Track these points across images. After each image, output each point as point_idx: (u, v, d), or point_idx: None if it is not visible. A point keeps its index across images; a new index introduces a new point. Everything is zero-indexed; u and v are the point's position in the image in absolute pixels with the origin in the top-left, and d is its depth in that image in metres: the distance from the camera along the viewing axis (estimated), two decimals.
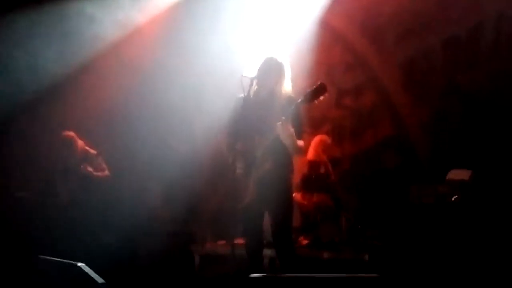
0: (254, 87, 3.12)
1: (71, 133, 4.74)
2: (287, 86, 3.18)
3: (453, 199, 4.08)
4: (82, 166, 4.61)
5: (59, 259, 2.82)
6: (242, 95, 3.13)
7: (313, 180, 4.95)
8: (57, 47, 5.20)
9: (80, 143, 4.75)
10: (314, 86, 2.93)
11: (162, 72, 5.71)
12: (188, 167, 5.36)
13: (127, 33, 5.55)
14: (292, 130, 2.96)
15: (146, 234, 5.21)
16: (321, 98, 2.91)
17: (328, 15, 5.59)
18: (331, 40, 5.90)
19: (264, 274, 2.61)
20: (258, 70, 3.14)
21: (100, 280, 2.61)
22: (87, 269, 2.65)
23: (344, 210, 4.75)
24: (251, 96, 3.13)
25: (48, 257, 2.85)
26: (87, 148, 4.77)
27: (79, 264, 2.66)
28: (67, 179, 4.73)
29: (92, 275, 2.63)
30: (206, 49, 5.44)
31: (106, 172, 4.79)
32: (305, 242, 4.77)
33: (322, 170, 5.04)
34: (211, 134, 4.92)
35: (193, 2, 5.62)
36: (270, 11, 5.52)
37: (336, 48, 5.96)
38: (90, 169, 4.65)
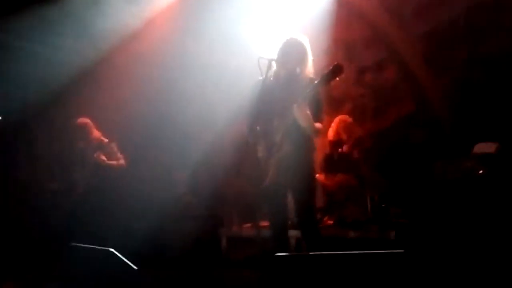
0: (273, 68, 3.10)
1: (86, 120, 4.72)
2: (309, 68, 3.15)
3: (479, 173, 3.99)
4: (95, 155, 4.59)
5: (90, 246, 2.92)
6: (260, 78, 3.12)
7: (335, 160, 4.92)
8: (74, 42, 5.24)
9: (95, 131, 4.73)
10: (330, 67, 2.89)
11: (181, 61, 5.73)
12: (210, 152, 5.42)
13: (145, 23, 5.58)
14: (308, 112, 2.94)
15: (174, 220, 5.30)
16: (337, 79, 2.87)
17: None
18: (350, 16, 5.79)
19: (290, 253, 2.65)
20: (279, 51, 3.11)
21: (134, 267, 2.69)
22: (118, 254, 2.74)
23: (368, 189, 4.71)
24: (270, 78, 3.11)
25: (80, 244, 2.94)
26: (101, 137, 4.75)
27: (110, 249, 2.75)
28: (83, 166, 4.72)
29: (124, 260, 2.72)
30: (223, 34, 5.43)
31: (122, 161, 4.75)
32: (330, 222, 4.77)
33: (344, 149, 5.00)
34: (232, 118, 4.93)
35: None
36: None
37: (355, 24, 5.84)
38: (103, 157, 4.62)
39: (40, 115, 4.79)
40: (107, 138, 4.74)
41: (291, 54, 3.09)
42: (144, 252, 4.21)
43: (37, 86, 4.81)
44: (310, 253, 2.86)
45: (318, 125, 3.07)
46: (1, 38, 4.95)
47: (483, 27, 5.14)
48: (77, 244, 2.94)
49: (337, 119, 5.16)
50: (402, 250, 2.32)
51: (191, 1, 5.66)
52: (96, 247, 2.89)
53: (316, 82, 2.93)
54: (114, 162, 4.71)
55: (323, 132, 3.41)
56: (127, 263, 2.70)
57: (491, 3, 5.05)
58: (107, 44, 5.37)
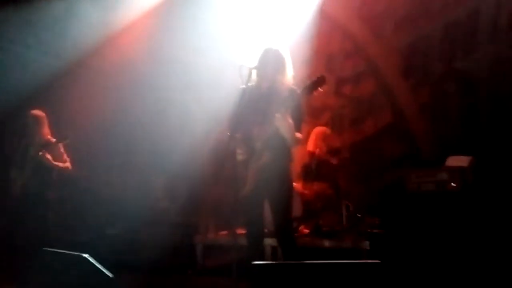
0: (254, 78, 3.12)
1: (40, 113, 4.34)
2: (288, 77, 3.18)
3: (452, 186, 4.09)
4: (40, 153, 4.16)
5: (64, 251, 2.86)
6: (243, 86, 3.13)
7: (313, 169, 4.97)
8: (51, 44, 5.16)
9: (46, 128, 4.35)
10: (314, 78, 2.94)
11: (160, 67, 5.72)
12: (189, 159, 5.39)
13: (124, 28, 5.55)
14: (291, 122, 2.97)
15: (150, 226, 5.24)
16: (321, 89, 2.92)
17: (326, 4, 5.58)
18: (330, 29, 5.89)
19: (267, 262, 2.66)
20: (258, 61, 3.14)
21: (108, 273, 2.64)
22: (92, 260, 2.69)
23: (344, 199, 4.77)
24: (251, 87, 3.13)
25: (53, 249, 2.88)
26: (49, 136, 4.35)
27: (84, 255, 2.70)
28: (24, 164, 4.29)
29: (99, 266, 2.68)
30: (204, 41, 5.45)
31: (68, 164, 4.35)
32: (306, 231, 4.80)
33: (322, 159, 5.07)
34: (211, 125, 4.94)
35: None
36: (268, 1, 5.50)
37: (335, 36, 5.95)
38: (49, 156, 4.20)
39: (13, 116, 4.57)
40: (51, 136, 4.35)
41: (271, 64, 3.12)
42: (118, 257, 4.15)
43: (11, 86, 4.68)
44: (287, 261, 2.87)
45: (298, 134, 3.10)
46: None
47: (459, 42, 5.30)
48: (49, 249, 2.88)
49: (316, 130, 5.23)
50: (378, 261, 2.35)
51: (171, 8, 5.66)
52: (70, 252, 2.83)
53: (298, 92, 2.97)
54: (59, 164, 4.29)
55: (302, 142, 3.44)
56: (101, 270, 2.66)
57: (466, 19, 5.22)
58: (84, 48, 5.30)
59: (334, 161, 5.07)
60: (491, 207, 3.95)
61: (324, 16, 5.66)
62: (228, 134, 3.11)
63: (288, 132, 3.00)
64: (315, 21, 5.48)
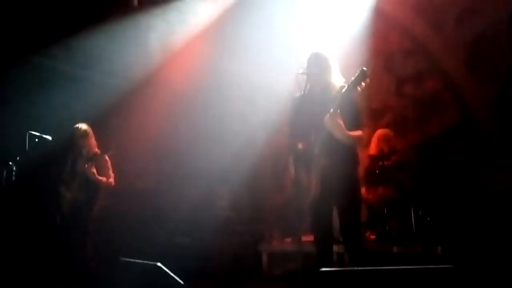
0: (308, 84, 3.12)
1: (86, 125, 4.35)
2: (338, 79, 3.16)
3: None
4: (87, 165, 4.15)
5: (139, 261, 2.99)
6: (298, 94, 3.14)
7: (376, 173, 4.84)
8: (122, 62, 5.42)
9: (93, 140, 4.33)
10: (356, 73, 2.90)
11: (218, 79, 5.86)
12: (251, 168, 5.45)
13: (186, 43, 5.75)
14: (340, 122, 2.91)
15: (215, 235, 5.34)
16: (363, 84, 2.87)
17: (382, 1, 5.44)
18: (388, 27, 5.74)
19: (335, 268, 2.62)
20: (307, 67, 3.15)
21: (180, 281, 2.74)
22: (165, 269, 2.80)
23: (411, 202, 4.59)
24: (306, 94, 3.13)
25: (129, 259, 3.03)
26: (96, 148, 4.33)
27: (158, 264, 2.82)
28: (73, 178, 4.28)
29: (171, 275, 2.78)
30: (259, 52, 5.51)
31: (111, 180, 4.30)
32: (373, 237, 4.68)
33: (386, 163, 4.92)
34: (271, 134, 4.97)
35: (246, 4, 5.71)
36: (322, 4, 5.48)
37: (393, 34, 5.79)
38: (94, 170, 4.16)
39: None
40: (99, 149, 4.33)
41: (318, 68, 3.12)
42: (185, 266, 4.27)
43: (83, 108, 4.97)
44: (356, 268, 2.82)
45: (357, 132, 3.03)
46: (49, 63, 5.21)
47: None
48: (127, 259, 3.03)
49: (378, 132, 5.09)
50: (451, 265, 2.24)
51: (226, 21, 5.79)
52: (145, 262, 2.96)
53: (342, 90, 2.94)
54: (103, 178, 4.24)
55: (363, 140, 3.36)
56: (174, 278, 2.75)
57: None
58: (150, 64, 5.55)
59: (398, 163, 4.91)
60: None
61: (380, 14, 5.52)
62: (289, 146, 3.13)
63: (339, 133, 2.94)
64: (371, 20, 5.37)
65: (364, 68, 2.90)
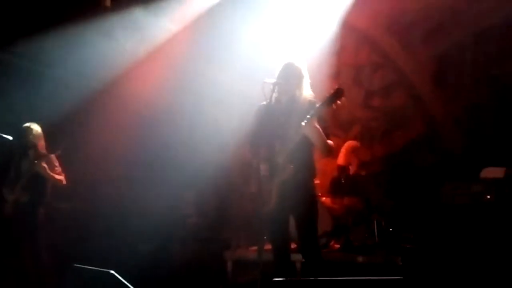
0: (275, 93, 3.14)
1: (35, 125, 4.20)
2: (307, 91, 3.18)
3: (487, 198, 3.94)
4: (36, 162, 4.00)
5: (92, 267, 2.93)
6: (264, 102, 3.16)
7: (342, 183, 4.90)
8: (95, 59, 5.33)
9: (41, 142, 4.20)
10: (332, 91, 2.93)
11: (191, 83, 5.83)
12: (218, 174, 5.44)
13: (157, 47, 5.71)
14: (318, 127, 2.95)
15: (180, 241, 5.30)
16: (339, 102, 2.90)
17: (352, 16, 5.54)
18: (358, 41, 5.85)
19: (287, 278, 2.63)
20: (278, 76, 3.16)
21: None
22: (118, 276, 2.74)
23: (375, 213, 4.67)
24: (273, 103, 3.15)
25: (82, 266, 2.96)
26: (44, 148, 4.20)
27: (111, 271, 2.75)
28: (17, 180, 4.13)
29: (125, 283, 2.72)
30: (233, 58, 5.52)
31: (62, 177, 4.14)
32: (337, 246, 4.72)
33: (352, 173, 4.99)
34: (239, 140, 4.97)
35: (218, 11, 5.72)
36: (294, 16, 5.54)
37: (363, 49, 5.90)
38: (44, 164, 4.01)
39: (50, 136, 4.68)
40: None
41: (289, 78, 3.13)
42: (149, 273, 4.22)
43: (47, 108, 4.87)
44: (309, 278, 2.83)
45: (330, 142, 3.07)
46: (17, 61, 5.10)
47: (493, 50, 5.15)
48: (79, 265, 2.96)
49: (346, 144, 5.18)
50: (400, 277, 2.29)
51: (203, 26, 5.78)
52: (98, 269, 2.89)
53: (318, 105, 2.96)
54: (55, 175, 4.11)
55: (333, 152, 3.38)
56: (127, 286, 2.70)
57: (501, 26, 5.06)
58: (118, 66, 5.48)
59: (364, 175, 4.99)
60: None
61: (350, 28, 5.63)
62: (250, 153, 3.14)
63: (318, 137, 2.96)
64: (340, 34, 5.46)
65: (341, 88, 2.93)
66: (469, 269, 3.74)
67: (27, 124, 4.20)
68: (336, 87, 2.94)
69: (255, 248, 4.98)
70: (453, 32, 5.41)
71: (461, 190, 4.17)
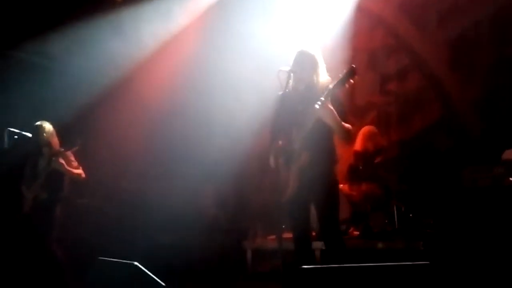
0: (291, 81, 3.11)
1: (47, 124, 4.22)
2: (323, 77, 3.14)
3: (510, 180, 3.86)
4: (54, 159, 4.03)
5: (116, 260, 2.95)
6: (281, 92, 3.13)
7: (360, 170, 4.86)
8: (107, 58, 5.34)
9: (55, 139, 4.24)
10: (344, 70, 2.89)
11: (206, 75, 5.82)
12: (236, 165, 5.44)
13: (171, 39, 5.70)
14: (332, 108, 2.91)
15: (200, 232, 5.32)
16: (352, 81, 2.86)
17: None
18: (371, 25, 5.77)
19: (315, 266, 2.62)
20: (293, 64, 3.12)
21: (159, 281, 2.70)
22: (143, 268, 2.76)
23: (394, 199, 4.62)
24: (290, 91, 3.12)
25: (106, 258, 2.99)
26: (58, 146, 4.23)
27: (135, 263, 2.78)
28: (35, 178, 4.15)
29: (149, 274, 2.74)
30: (247, 49, 5.48)
31: (80, 171, 4.17)
32: (356, 233, 4.70)
33: (370, 160, 4.94)
34: (256, 132, 4.95)
35: (229, 1, 5.68)
36: (306, 2, 5.47)
37: (376, 32, 5.82)
38: (62, 161, 4.05)
39: (65, 133, 4.69)
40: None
41: (304, 66, 3.09)
42: (170, 265, 4.24)
43: (63, 104, 4.89)
44: (335, 265, 2.82)
45: (348, 125, 3.03)
46: (27, 58, 5.13)
47: (509, 29, 5.02)
48: (104, 258, 2.99)
49: (364, 130, 5.11)
50: (428, 262, 2.26)
51: (215, 17, 5.75)
52: (122, 261, 2.92)
53: (331, 86, 2.93)
54: (72, 169, 4.13)
55: (352, 135, 3.34)
56: (152, 278, 2.72)
57: None
58: (133, 62, 5.49)
59: (382, 160, 4.93)
60: None
61: (363, 12, 5.54)
62: (270, 143, 3.11)
63: (332, 119, 2.91)
64: (354, 18, 5.37)
65: (353, 66, 2.88)
66: (492, 253, 3.68)
67: (39, 123, 4.24)
68: (349, 66, 2.89)
69: (273, 237, 5.00)
70: (469, 12, 5.28)
71: (483, 173, 4.08)
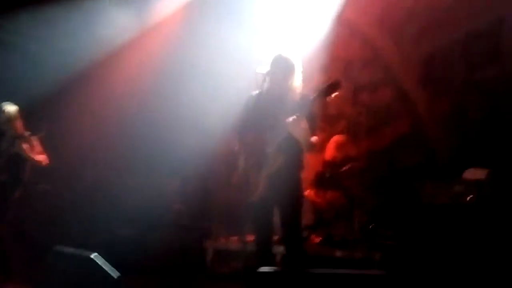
0: (267, 84, 3.12)
1: (12, 106, 4.14)
2: (298, 83, 3.18)
3: (468, 199, 3.99)
4: (16, 143, 3.99)
5: (73, 250, 2.89)
6: (256, 92, 3.14)
7: (326, 178, 4.92)
8: (79, 41, 5.21)
9: (18, 122, 4.15)
10: (329, 82, 2.91)
11: (178, 69, 5.76)
12: (203, 161, 5.41)
13: (148, 29, 5.62)
14: (305, 126, 2.95)
15: (161, 228, 5.27)
16: (334, 94, 2.90)
17: (346, 10, 5.52)
18: (349, 36, 5.83)
19: (273, 268, 2.63)
20: (270, 66, 3.14)
21: (115, 273, 2.66)
22: (100, 260, 2.71)
23: (357, 209, 4.70)
24: (264, 93, 3.13)
25: (62, 248, 2.92)
26: (23, 129, 4.17)
27: (92, 255, 2.73)
28: None
29: (106, 267, 2.70)
30: (222, 45, 5.47)
31: (43, 157, 4.12)
32: (318, 240, 4.75)
33: (336, 168, 5.01)
34: (225, 129, 4.94)
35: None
36: (287, 8, 5.50)
37: (354, 43, 5.89)
38: (24, 146, 4.01)
39: (33, 115, 4.54)
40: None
41: (281, 70, 3.12)
42: (128, 259, 4.17)
43: (33, 85, 4.74)
44: (294, 269, 2.84)
45: (313, 139, 3.07)
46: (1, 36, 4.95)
47: (480, 52, 5.19)
48: (60, 247, 2.92)
49: (334, 138, 5.19)
50: (384, 272, 2.31)
51: (192, 12, 5.70)
52: (79, 250, 2.86)
53: (312, 97, 2.95)
54: (35, 156, 4.07)
55: (317, 148, 3.39)
56: (110, 269, 2.68)
57: (489, 30, 5.10)
58: (105, 48, 5.37)
59: (348, 169, 5.01)
60: (507, 222, 3.83)
61: (343, 22, 5.60)
62: (238, 140, 3.12)
63: (302, 137, 2.97)
64: (333, 27, 5.44)
65: (339, 80, 2.91)
66: (446, 268, 3.80)
67: (2, 103, 4.11)
68: (334, 78, 2.92)
69: (235, 238, 4.99)
70: (444, 31, 5.42)
71: (442, 190, 4.20)
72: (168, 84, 5.79)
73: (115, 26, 5.46)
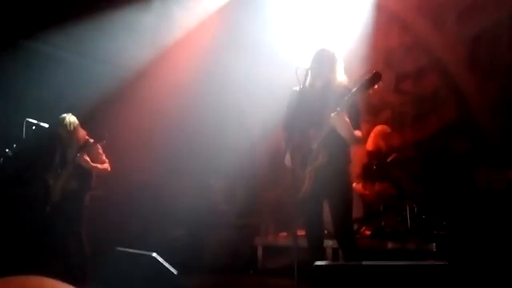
0: (309, 79, 3.11)
1: (72, 116, 4.24)
2: (341, 76, 3.15)
3: None
4: (78, 155, 4.06)
5: (134, 250, 3.00)
6: (297, 88, 3.13)
7: (373, 169, 4.84)
8: (116, 56, 5.37)
9: (81, 130, 4.27)
10: (369, 75, 2.87)
11: (217, 72, 5.83)
12: (247, 161, 5.45)
13: (183, 37, 5.72)
14: (348, 120, 2.92)
15: (210, 228, 5.35)
16: (376, 87, 2.85)
17: None
18: (389, 23, 5.72)
19: (328, 263, 2.63)
20: (311, 61, 3.13)
21: (174, 270, 2.75)
22: (160, 259, 2.81)
23: (407, 199, 4.60)
24: (307, 88, 3.12)
25: (123, 249, 3.03)
26: (87, 137, 4.25)
27: (153, 254, 2.82)
28: (62, 168, 4.18)
29: (166, 265, 2.79)
30: (259, 46, 5.49)
31: (106, 165, 4.21)
32: (368, 232, 4.69)
33: (383, 159, 4.92)
34: (267, 128, 4.96)
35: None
36: (324, 1, 5.45)
37: (394, 30, 5.77)
38: (87, 158, 4.08)
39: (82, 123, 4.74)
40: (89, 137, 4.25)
41: (323, 64, 3.10)
42: (182, 260, 4.27)
43: (79, 96, 4.92)
44: (348, 263, 2.82)
45: (357, 132, 3.04)
46: (46, 49, 5.17)
47: None
48: (121, 249, 3.03)
49: (376, 129, 5.09)
50: (444, 262, 2.25)
51: (227, 15, 5.75)
52: (140, 251, 2.96)
53: (353, 90, 2.92)
54: (98, 165, 4.17)
55: (362, 141, 3.36)
56: (168, 268, 2.76)
57: None
58: (146, 56, 5.51)
59: (395, 160, 4.91)
60: None
61: (381, 10, 5.50)
62: (284, 138, 3.12)
63: (346, 131, 2.95)
64: (372, 16, 5.34)
65: (379, 72, 2.87)
66: (503, 256, 3.66)
67: (64, 115, 4.25)
68: (374, 71, 2.88)
69: (284, 234, 5.01)
70: (487, 12, 5.21)
71: (497, 176, 4.05)
72: (209, 88, 5.88)
73: (158, 33, 5.60)
